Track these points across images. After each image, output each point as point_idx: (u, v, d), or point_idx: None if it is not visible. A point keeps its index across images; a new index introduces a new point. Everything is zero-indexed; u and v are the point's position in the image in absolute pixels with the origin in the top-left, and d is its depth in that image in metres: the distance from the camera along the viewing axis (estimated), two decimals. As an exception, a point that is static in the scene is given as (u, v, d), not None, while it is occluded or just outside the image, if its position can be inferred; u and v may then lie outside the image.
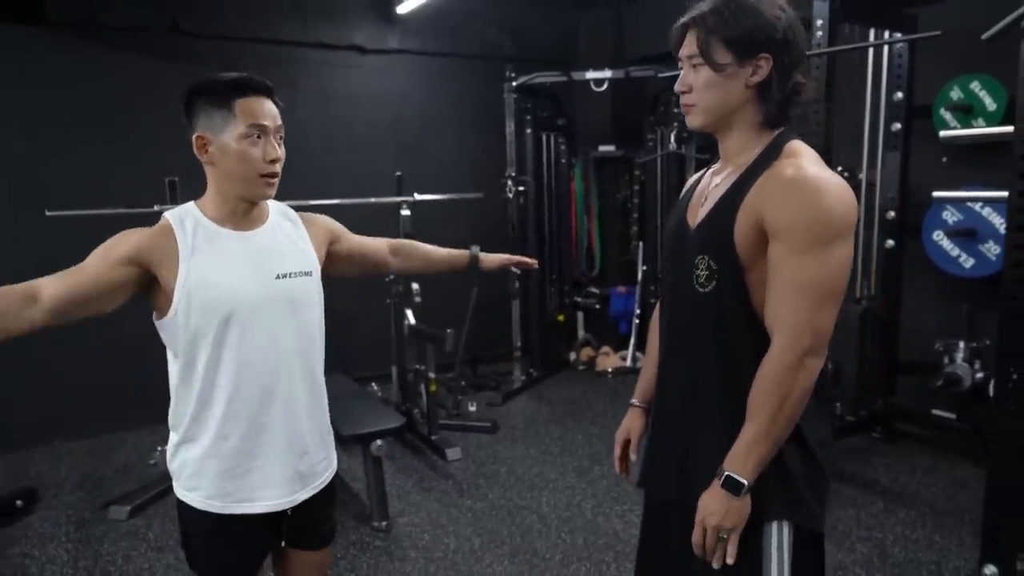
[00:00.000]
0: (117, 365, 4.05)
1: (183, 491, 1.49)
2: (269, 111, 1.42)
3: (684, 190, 1.41)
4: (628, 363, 5.19)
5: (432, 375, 3.79)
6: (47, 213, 3.21)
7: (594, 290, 5.45)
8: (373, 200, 4.10)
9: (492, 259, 1.96)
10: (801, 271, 1.13)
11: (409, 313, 3.98)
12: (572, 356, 5.44)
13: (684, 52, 1.22)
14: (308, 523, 1.58)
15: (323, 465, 1.59)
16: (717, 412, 1.27)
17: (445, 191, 4.48)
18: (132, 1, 4.05)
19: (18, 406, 3.89)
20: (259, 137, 1.40)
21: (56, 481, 3.56)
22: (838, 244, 1.14)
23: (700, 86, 1.20)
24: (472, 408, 4.43)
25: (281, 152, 1.45)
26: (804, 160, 1.17)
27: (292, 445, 1.50)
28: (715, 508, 1.20)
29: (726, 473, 1.19)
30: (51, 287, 1.31)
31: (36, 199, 3.59)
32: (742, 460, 1.18)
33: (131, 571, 2.73)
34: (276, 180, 1.45)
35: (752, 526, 1.21)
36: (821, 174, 1.15)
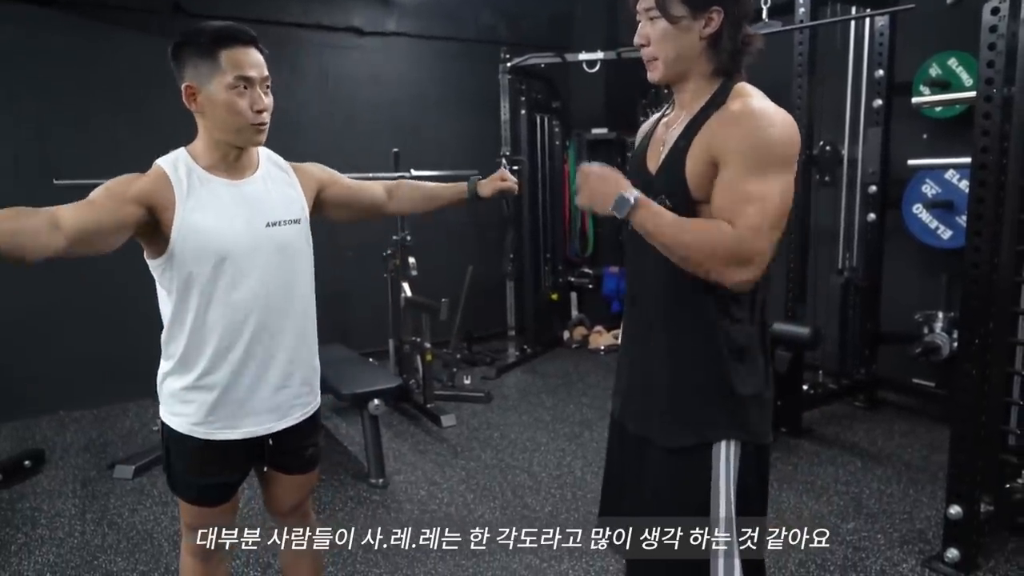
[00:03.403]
0: (121, 337, 4.15)
1: (168, 415, 1.58)
2: (255, 61, 1.45)
3: (639, 136, 1.49)
4: (620, 341, 5.30)
5: (428, 345, 3.91)
6: (55, 182, 3.31)
7: (587, 270, 5.56)
8: (371, 176, 4.20)
9: (487, 185, 1.86)
10: (749, 188, 1.19)
11: (405, 286, 4.09)
12: (566, 335, 5.55)
13: (641, 5, 1.29)
14: (290, 449, 1.67)
15: (305, 400, 1.67)
16: (665, 346, 1.35)
17: (441, 169, 4.59)
18: (136, -18, 4.16)
19: (23, 376, 4.00)
20: (246, 88, 1.43)
21: (62, 446, 3.67)
22: (780, 171, 1.20)
23: (657, 38, 1.27)
24: (466, 381, 4.53)
25: (268, 101, 1.48)
26: (751, 97, 1.24)
27: (276, 379, 1.58)
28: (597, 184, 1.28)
29: (625, 195, 1.24)
30: (72, 216, 1.30)
31: (44, 170, 3.70)
32: (646, 208, 1.24)
33: (137, 522, 2.84)
34: (266, 127, 1.49)
35: (702, 447, 1.31)
36: (766, 107, 1.22)
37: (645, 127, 1.48)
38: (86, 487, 3.17)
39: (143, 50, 4.19)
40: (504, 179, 1.85)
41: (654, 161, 1.36)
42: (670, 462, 1.34)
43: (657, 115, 1.46)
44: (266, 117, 1.48)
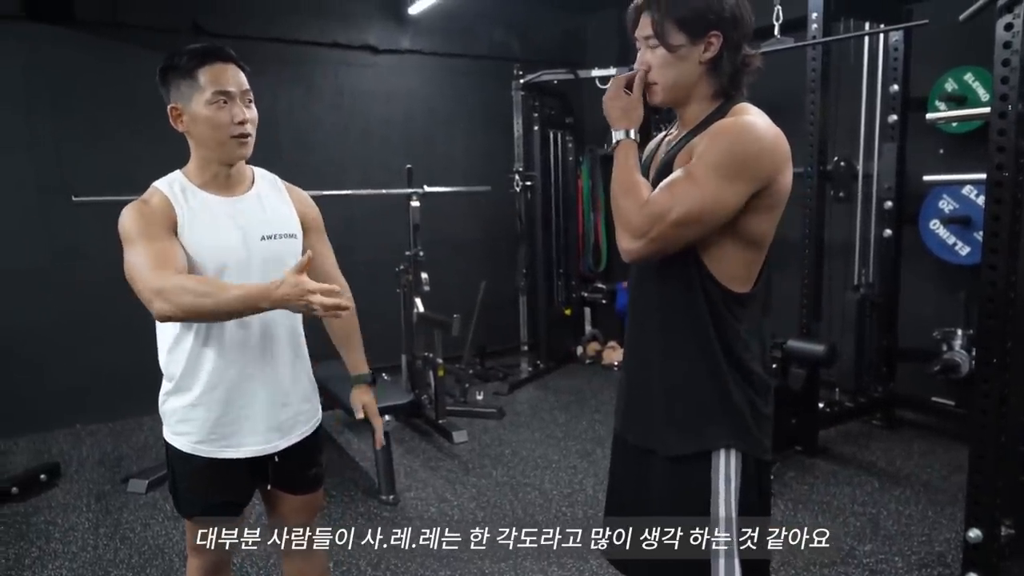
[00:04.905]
0: (136, 351, 4.17)
1: (172, 435, 1.59)
2: (233, 77, 1.48)
3: (644, 154, 1.50)
4: (622, 355, 5.27)
5: (440, 360, 3.91)
6: (74, 199, 3.37)
7: (601, 285, 5.54)
8: (384, 192, 4.24)
9: (362, 401, 1.82)
10: (691, 175, 1.20)
11: (418, 301, 4.09)
12: (579, 350, 5.53)
13: (640, 33, 1.31)
14: (294, 468, 1.68)
15: (307, 416, 1.68)
16: (662, 357, 1.36)
17: (454, 185, 4.62)
18: (155, 2, 4.23)
19: (41, 390, 4.05)
20: (225, 102, 1.46)
21: (78, 459, 3.70)
22: (730, 181, 1.19)
23: (657, 65, 1.29)
24: (479, 397, 4.53)
25: (251, 114, 1.50)
26: (745, 114, 1.25)
27: (275, 396, 1.59)
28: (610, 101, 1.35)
29: (615, 132, 1.34)
30: (173, 266, 1.42)
31: (63, 187, 3.77)
32: (619, 152, 1.32)
33: (149, 538, 2.86)
34: (249, 139, 1.51)
35: (701, 455, 1.31)
36: (755, 121, 1.22)
37: (651, 145, 1.50)
38: (100, 501, 3.19)
39: (161, 69, 4.28)
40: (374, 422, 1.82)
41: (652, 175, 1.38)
42: (671, 471, 1.35)
43: (662, 134, 1.47)
44: (249, 128, 1.50)
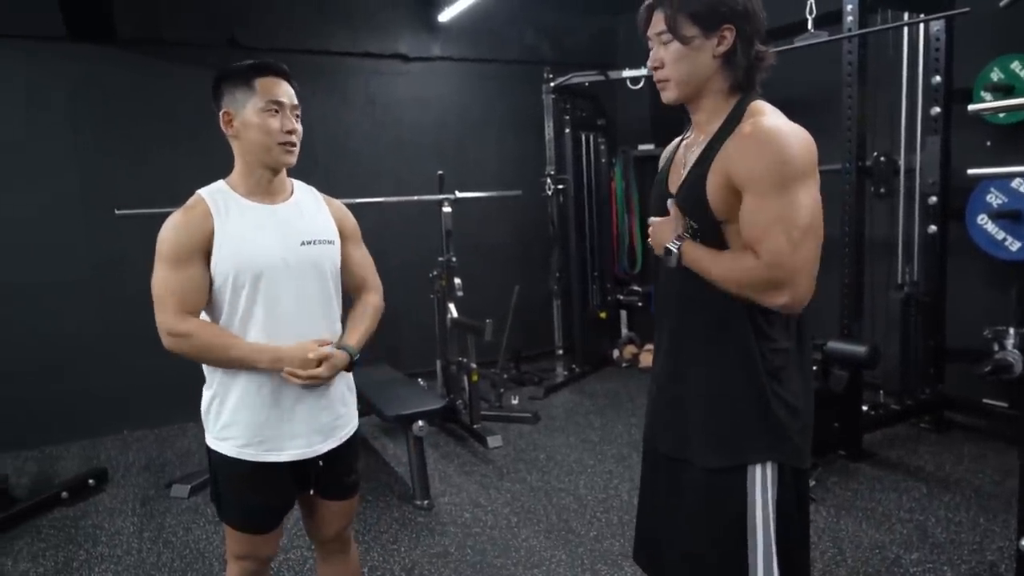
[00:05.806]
0: (180, 359, 4.29)
1: (215, 441, 1.63)
2: (285, 90, 1.58)
3: (662, 160, 1.50)
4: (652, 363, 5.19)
5: (474, 365, 3.91)
6: (116, 212, 3.47)
7: (636, 288, 5.49)
8: (416, 198, 4.27)
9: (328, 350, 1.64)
10: (771, 211, 1.19)
11: (452, 307, 4.10)
12: (615, 353, 5.48)
13: (652, 31, 1.31)
14: (333, 473, 1.71)
15: (345, 419, 1.72)
16: (698, 368, 1.34)
17: (486, 190, 4.62)
18: (193, 18, 4.34)
19: (90, 399, 4.19)
20: (277, 111, 1.55)
21: (124, 464, 3.81)
22: (801, 185, 1.19)
23: (671, 60, 1.29)
24: (514, 401, 4.52)
25: (298, 126, 1.60)
26: (763, 116, 1.24)
27: (317, 398, 1.63)
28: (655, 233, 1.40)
29: (669, 246, 1.34)
30: (197, 310, 1.57)
31: (107, 200, 3.88)
32: (687, 255, 1.32)
33: (191, 541, 2.92)
34: (295, 148, 1.60)
35: (737, 468, 1.29)
36: (777, 124, 1.22)
37: (668, 149, 1.50)
38: (145, 505, 3.27)
39: (199, 83, 4.36)
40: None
41: (675, 183, 1.38)
42: (706, 482, 1.33)
43: (677, 139, 1.47)
44: (295, 139, 1.59)
